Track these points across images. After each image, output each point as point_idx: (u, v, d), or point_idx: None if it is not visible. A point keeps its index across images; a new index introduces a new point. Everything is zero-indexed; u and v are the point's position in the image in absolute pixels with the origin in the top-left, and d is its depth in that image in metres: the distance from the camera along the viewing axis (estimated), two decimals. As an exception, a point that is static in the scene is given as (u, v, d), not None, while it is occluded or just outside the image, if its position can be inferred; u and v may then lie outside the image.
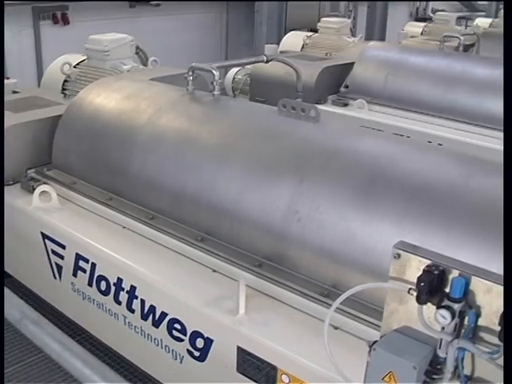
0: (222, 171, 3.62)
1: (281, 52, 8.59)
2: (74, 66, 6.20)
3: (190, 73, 4.27)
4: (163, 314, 3.42)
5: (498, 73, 6.68)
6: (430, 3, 20.24)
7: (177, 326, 3.36)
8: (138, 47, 6.46)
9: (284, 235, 3.28)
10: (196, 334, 3.27)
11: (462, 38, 7.66)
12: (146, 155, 4.02)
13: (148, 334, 3.56)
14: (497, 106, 6.39)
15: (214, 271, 3.50)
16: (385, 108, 6.93)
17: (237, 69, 8.04)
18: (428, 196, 3.00)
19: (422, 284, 2.01)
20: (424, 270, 2.05)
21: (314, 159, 3.39)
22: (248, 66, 7.99)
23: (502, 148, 5.93)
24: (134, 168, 4.05)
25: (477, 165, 3.23)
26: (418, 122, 6.63)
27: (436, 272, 2.02)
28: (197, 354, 3.29)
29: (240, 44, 13.05)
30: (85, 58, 6.26)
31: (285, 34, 11.16)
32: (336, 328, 2.97)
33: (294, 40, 8.92)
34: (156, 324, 3.48)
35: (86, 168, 4.41)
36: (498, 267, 2.67)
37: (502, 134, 6.06)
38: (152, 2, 11.15)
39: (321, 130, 3.65)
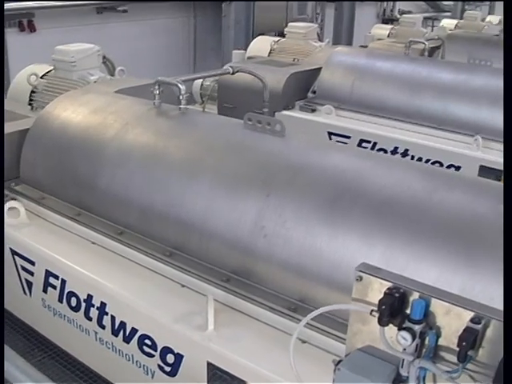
0: (189, 186, 3.65)
1: (248, 57, 8.61)
2: (41, 77, 6.18)
3: (156, 86, 4.29)
4: (134, 330, 3.45)
5: (462, 77, 6.79)
6: (397, 4, 20.38)
7: (147, 341, 3.38)
8: (104, 57, 6.45)
9: (251, 250, 3.31)
10: (166, 350, 3.29)
11: (426, 43, 7.74)
12: (113, 170, 4.04)
13: (119, 350, 3.58)
14: (461, 110, 6.50)
15: (183, 286, 3.53)
16: (352, 113, 6.98)
17: (205, 74, 8.07)
18: (393, 211, 3.05)
19: (383, 307, 2.05)
20: (385, 293, 2.09)
21: (280, 174, 3.43)
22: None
23: (466, 152, 6.05)
24: (102, 183, 4.07)
25: (440, 179, 3.30)
26: (385, 127, 6.69)
27: (397, 295, 2.07)
28: (168, 369, 3.32)
29: (208, 48, 13.06)
30: (52, 68, 6.25)
31: (253, 38, 11.20)
32: (304, 342, 3.01)
33: (261, 45, 8.96)
34: (127, 340, 3.50)
35: (54, 183, 4.41)
36: (461, 280, 2.76)
37: (466, 138, 6.20)
38: (119, 9, 11.14)
39: (287, 144, 3.69)
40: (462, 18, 15.00)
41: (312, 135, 6.64)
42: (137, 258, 3.75)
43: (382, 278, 2.14)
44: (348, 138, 6.68)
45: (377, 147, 6.50)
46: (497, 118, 6.30)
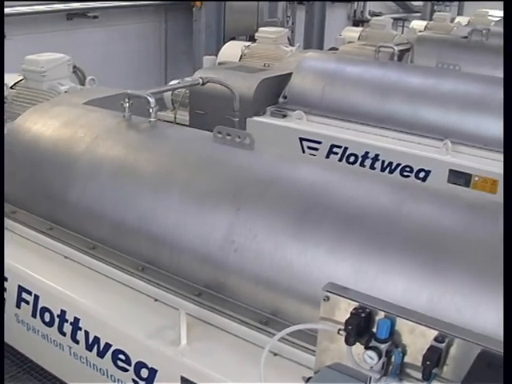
0: (160, 200, 3.67)
1: (219, 63, 8.64)
2: (11, 87, 6.18)
3: (126, 99, 4.30)
4: (107, 345, 3.46)
5: (431, 82, 6.86)
6: (368, 5, 20.50)
7: (121, 356, 3.40)
8: (75, 66, 6.47)
9: (222, 264, 3.34)
10: (140, 365, 3.31)
11: (395, 47, 7.81)
12: (85, 184, 4.05)
13: (94, 364, 3.59)
14: (431, 114, 6.57)
15: (156, 300, 3.54)
16: (323, 118, 7.03)
17: (176, 81, 8.07)
18: (361, 224, 3.10)
19: (350, 327, 2.09)
20: (352, 313, 2.13)
21: (250, 188, 3.46)
22: (187, 79, 8.05)
23: (435, 156, 6.12)
24: (73, 197, 4.07)
25: (408, 191, 3.35)
26: (356, 132, 6.75)
27: (363, 315, 2.11)
28: (142, 383, 3.34)
29: (179, 53, 13.06)
30: (22, 78, 6.25)
31: (224, 42, 11.24)
32: (275, 354, 3.04)
33: (232, 50, 8.99)
34: (101, 355, 3.51)
35: (26, 197, 4.40)
36: (429, 292, 2.81)
37: (436, 142, 6.27)
38: (89, 15, 11.11)
39: (256, 157, 3.73)
40: (431, 19, 15.14)
41: (283, 143, 6.71)
42: (110, 273, 3.76)
43: (348, 298, 2.18)
44: (319, 143, 6.73)
45: (348, 152, 6.56)
46: (466, 122, 6.40)
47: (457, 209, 3.17)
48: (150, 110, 4.19)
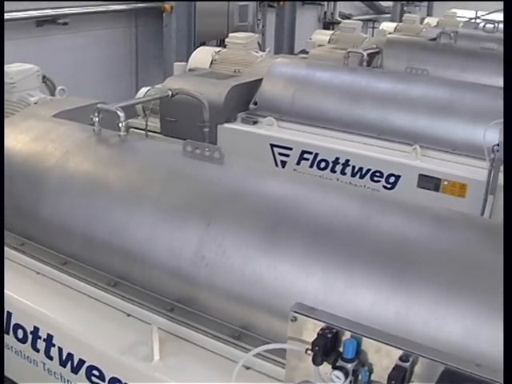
0: (131, 216, 3.69)
1: (190, 70, 8.65)
2: (-19, 98, 6.15)
3: (96, 113, 4.31)
4: (81, 361, 3.47)
5: (400, 87, 6.94)
6: (338, 7, 20.60)
7: (95, 372, 3.40)
8: (44, 76, 6.46)
9: (194, 279, 3.37)
10: (114, 380, 3.32)
11: (365, 53, 7.87)
12: (56, 199, 4.05)
13: (68, 380, 3.59)
14: (400, 119, 6.65)
15: (129, 315, 3.56)
16: (293, 124, 7.07)
17: (146, 88, 8.09)
18: (329, 237, 3.15)
19: (317, 348, 2.13)
20: (318, 334, 2.17)
21: (219, 203, 3.50)
22: (158, 86, 8.06)
23: (405, 161, 6.19)
24: (44, 212, 4.08)
25: (375, 203, 3.41)
26: (327, 138, 6.80)
27: (329, 335, 2.15)
28: (116, 398, 3.37)
29: (150, 57, 13.05)
30: (-9, 89, 6.22)
31: (195, 47, 11.26)
32: (248, 368, 3.08)
33: (202, 56, 8.99)
34: (75, 371, 3.52)
35: (-3, 212, 4.41)
36: (396, 305, 2.86)
37: (406, 147, 6.35)
38: (59, 21, 11.06)
39: (226, 171, 3.76)
40: (401, 21, 15.28)
41: (253, 149, 6.76)
42: (82, 288, 3.77)
43: (315, 319, 2.22)
44: (290, 149, 6.78)
45: (318, 158, 6.61)
46: (434, 126, 6.48)
47: (423, 221, 3.23)
48: (120, 125, 4.20)
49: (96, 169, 4.05)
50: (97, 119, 4.31)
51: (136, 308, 3.55)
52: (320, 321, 2.20)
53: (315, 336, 2.17)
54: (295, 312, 2.26)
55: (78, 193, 3.98)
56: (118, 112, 4.21)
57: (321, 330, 2.18)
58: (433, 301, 2.82)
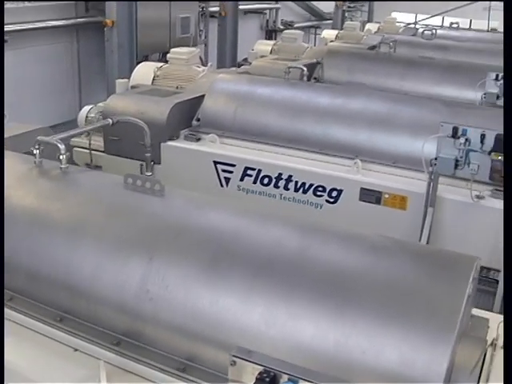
0: (75, 250, 3.71)
1: (132, 86, 8.65)
2: None
3: (37, 146, 4.32)
4: (29, 398, 3.49)
5: (340, 101, 7.05)
6: (280, 15, 20.74)
7: (43, 409, 3.44)
8: (-17, 98, 6.43)
9: (138, 313, 3.41)
10: (63, 416, 3.36)
11: (305, 68, 7.97)
12: None
13: (15, 418, 3.62)
14: (341, 133, 6.76)
15: (76, 350, 3.58)
16: (236, 141, 7.16)
17: (89, 107, 8.09)
18: (271, 270, 3.22)
19: (256, 392, 2.20)
20: (257, 378, 2.24)
21: (162, 237, 3.55)
22: (100, 104, 8.07)
23: (347, 175, 6.30)
24: (-13, 248, 4.08)
25: (314, 234, 3.50)
26: (270, 154, 6.89)
27: (267, 379, 2.22)
28: (66, 433, 3.39)
29: (93, 73, 12.99)
30: None
31: (137, 61, 11.24)
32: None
33: (144, 72, 8.97)
34: (23, 407, 3.54)
35: None
36: (335, 335, 2.94)
37: (347, 161, 6.46)
38: (-1, 39, 10.96)
39: (166, 204, 3.82)
40: (342, 28, 15.47)
41: (197, 167, 6.84)
42: (28, 324, 3.77)
43: (253, 363, 2.28)
44: (233, 166, 6.85)
45: (261, 174, 6.70)
46: (375, 140, 6.61)
47: (360, 250, 3.32)
48: (61, 157, 4.22)
49: (38, 204, 4.06)
50: (37, 151, 4.32)
51: (83, 343, 3.56)
52: (258, 364, 2.27)
53: (254, 380, 2.24)
54: (234, 356, 2.32)
55: (21, 228, 3.98)
56: (59, 144, 4.24)
57: (259, 373, 2.25)
58: (371, 330, 2.91)
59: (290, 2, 21.38)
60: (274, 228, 3.57)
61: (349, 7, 23.12)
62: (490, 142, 5.55)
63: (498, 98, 8.13)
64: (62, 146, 4.23)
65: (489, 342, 3.38)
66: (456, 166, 5.68)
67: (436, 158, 5.72)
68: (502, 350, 3.31)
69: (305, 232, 3.54)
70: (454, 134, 5.62)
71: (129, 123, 5.93)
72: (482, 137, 5.55)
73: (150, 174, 6.13)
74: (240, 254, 3.34)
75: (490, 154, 5.58)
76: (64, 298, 3.73)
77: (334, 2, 21.94)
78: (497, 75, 8.14)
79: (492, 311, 5.54)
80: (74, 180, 4.31)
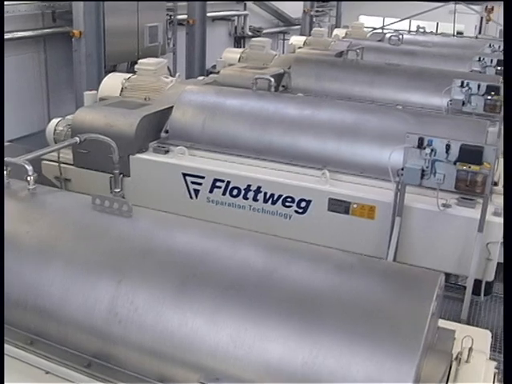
0: (43, 273, 3.71)
1: (100, 98, 8.64)
2: None
3: (4, 167, 4.33)
4: (1, 422, 3.50)
5: (307, 112, 7.10)
6: (248, 22, 20.78)
7: (16, 432, 3.45)
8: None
9: (108, 336, 3.44)
10: None
11: (272, 79, 7.99)
12: (-33, 257, 4.06)
13: None
14: (309, 144, 6.82)
15: (47, 373, 3.59)
16: (205, 152, 7.18)
17: (57, 119, 8.07)
18: (238, 291, 3.27)
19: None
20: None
21: (130, 259, 3.58)
22: (68, 117, 8.05)
23: (315, 186, 6.34)
24: (-44, 270, 4.08)
25: (281, 253, 3.55)
26: (238, 165, 6.92)
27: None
28: None
29: (61, 83, 12.91)
30: None
31: (105, 70, 11.22)
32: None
33: (112, 83, 8.94)
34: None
35: None
36: (303, 355, 2.98)
37: (315, 172, 6.51)
38: (-38, 51, 10.87)
39: (134, 225, 3.84)
40: (310, 34, 15.55)
41: (166, 179, 6.86)
42: (-1, 347, 3.80)
43: (220, 392, 2.33)
44: (202, 178, 6.88)
45: (230, 186, 6.73)
46: (342, 150, 6.67)
47: (327, 269, 3.38)
48: (29, 178, 4.23)
49: (6, 225, 4.04)
50: (5, 173, 4.32)
51: (54, 365, 3.58)
52: (225, 394, 2.31)
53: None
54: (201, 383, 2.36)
55: (-12, 250, 3.99)
56: (26, 166, 4.25)
57: (226, 401, 2.29)
58: (337, 350, 2.96)
59: (257, 8, 21.43)
60: (241, 248, 3.62)
61: (317, 11, 23.26)
62: (455, 151, 5.64)
63: (463, 104, 8.26)
64: (29, 168, 4.24)
65: (454, 356, 3.44)
66: (422, 176, 5.77)
67: (403, 169, 5.80)
68: (467, 365, 3.38)
69: (272, 251, 3.59)
70: (420, 145, 5.71)
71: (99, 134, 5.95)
72: (448, 147, 5.64)
73: (119, 190, 6.12)
74: (208, 275, 3.38)
75: (455, 163, 5.67)
76: (34, 321, 3.74)
77: (301, 8, 22.08)
78: (462, 82, 8.26)
79: (460, 318, 5.64)
80: (42, 201, 4.32)
